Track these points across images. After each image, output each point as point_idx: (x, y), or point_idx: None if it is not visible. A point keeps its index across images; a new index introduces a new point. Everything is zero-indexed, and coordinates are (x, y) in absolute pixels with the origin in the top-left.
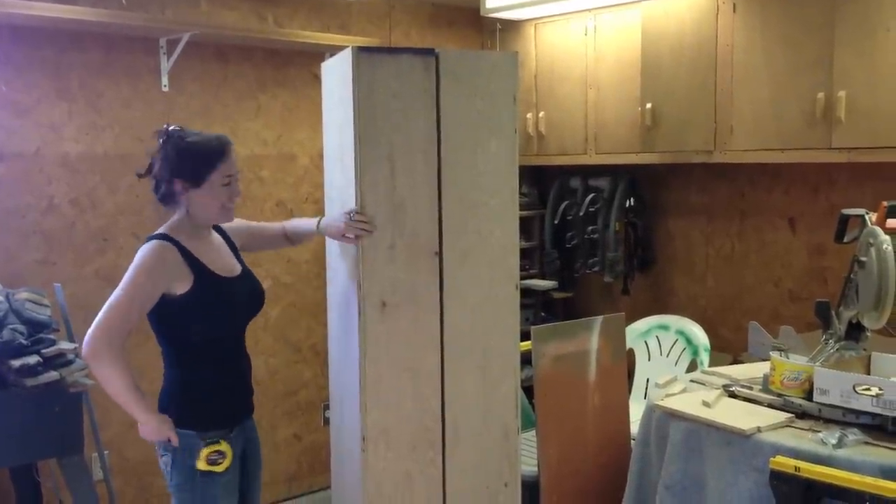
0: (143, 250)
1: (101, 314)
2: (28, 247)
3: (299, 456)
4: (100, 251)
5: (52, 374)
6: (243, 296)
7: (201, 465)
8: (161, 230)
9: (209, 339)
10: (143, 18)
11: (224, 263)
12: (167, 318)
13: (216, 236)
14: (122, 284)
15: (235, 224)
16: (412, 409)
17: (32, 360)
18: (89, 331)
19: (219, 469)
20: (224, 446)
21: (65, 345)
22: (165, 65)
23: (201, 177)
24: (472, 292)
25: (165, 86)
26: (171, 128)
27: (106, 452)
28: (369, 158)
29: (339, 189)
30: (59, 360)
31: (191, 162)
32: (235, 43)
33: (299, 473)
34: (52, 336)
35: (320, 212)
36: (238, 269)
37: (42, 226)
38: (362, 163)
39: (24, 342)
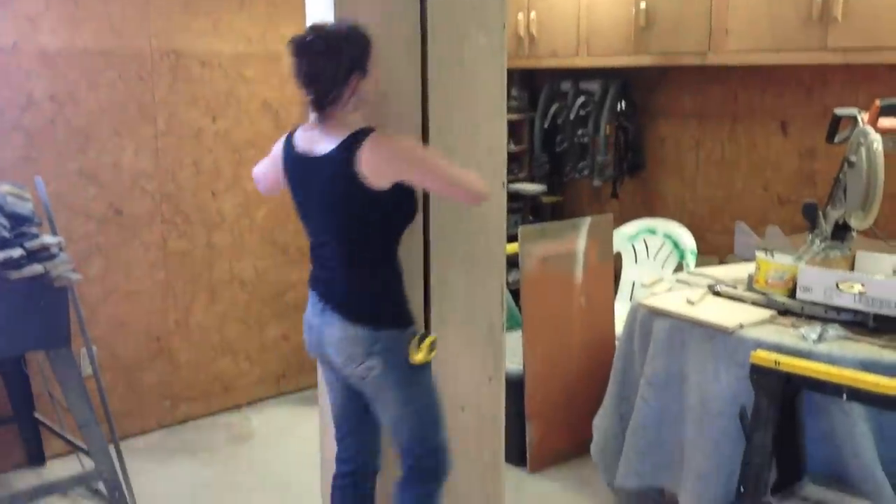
0: (398, 138)
1: (446, 176)
2: (8, 143)
3: (288, 356)
4: (81, 149)
5: (37, 268)
6: None
7: (421, 356)
8: (361, 126)
9: (402, 235)
10: None
11: None
12: (390, 211)
13: None
14: (428, 157)
15: None
16: None
17: (16, 253)
18: (460, 190)
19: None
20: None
21: (48, 239)
22: None
23: (368, 63)
24: None
25: None
26: (328, 28)
27: (95, 349)
28: None
29: None
30: (42, 254)
31: (368, 50)
32: None
33: (288, 372)
34: (34, 230)
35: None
36: None
37: (22, 122)
38: None
39: (6, 235)
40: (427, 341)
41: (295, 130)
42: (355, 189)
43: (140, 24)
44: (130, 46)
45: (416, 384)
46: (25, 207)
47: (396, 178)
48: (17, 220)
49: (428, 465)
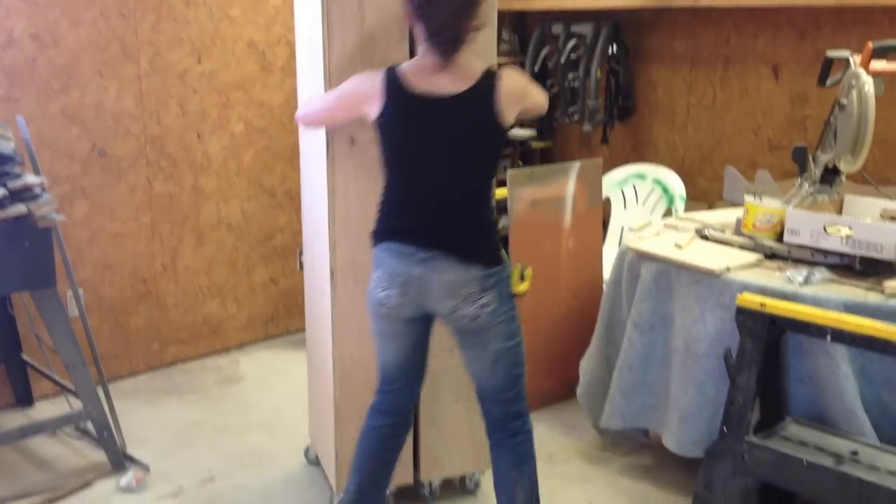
0: (514, 71)
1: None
2: None
3: (276, 299)
4: (63, 89)
5: (20, 208)
6: None
7: (524, 286)
8: (484, 65)
9: None
10: None
11: None
12: (504, 145)
13: None
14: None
15: None
16: None
17: None
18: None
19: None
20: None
21: (31, 178)
22: None
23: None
24: None
25: None
26: None
27: (81, 291)
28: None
29: (309, 27)
30: (26, 194)
31: None
32: None
33: (276, 316)
34: (17, 170)
35: (293, 55)
36: None
37: (2, 61)
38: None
39: None
40: (528, 272)
41: (392, 71)
42: (493, 125)
43: None
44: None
45: (517, 318)
46: (7, 147)
47: (518, 111)
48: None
49: (517, 408)
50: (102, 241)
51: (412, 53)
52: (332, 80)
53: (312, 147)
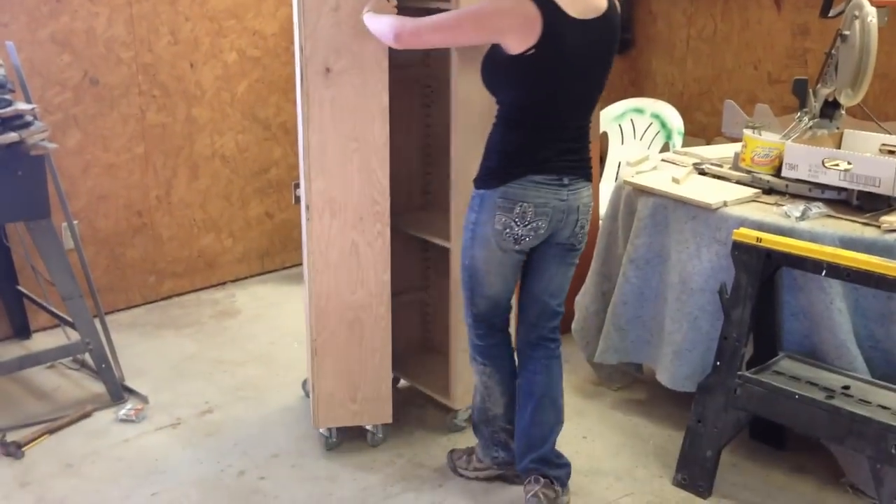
0: None
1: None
2: None
3: (271, 233)
4: (53, 13)
5: (12, 136)
6: None
7: None
8: None
9: None
10: None
11: None
12: None
13: None
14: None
15: None
16: (358, 181)
17: None
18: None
19: None
20: None
21: (22, 105)
22: None
23: None
24: None
25: None
26: None
27: (76, 223)
28: None
29: None
30: (17, 121)
31: None
32: None
33: (272, 250)
34: (7, 97)
35: None
36: None
37: None
38: None
39: None
40: None
41: None
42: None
43: None
44: None
45: None
46: None
47: None
48: None
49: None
50: (96, 172)
51: None
52: (306, 7)
53: None
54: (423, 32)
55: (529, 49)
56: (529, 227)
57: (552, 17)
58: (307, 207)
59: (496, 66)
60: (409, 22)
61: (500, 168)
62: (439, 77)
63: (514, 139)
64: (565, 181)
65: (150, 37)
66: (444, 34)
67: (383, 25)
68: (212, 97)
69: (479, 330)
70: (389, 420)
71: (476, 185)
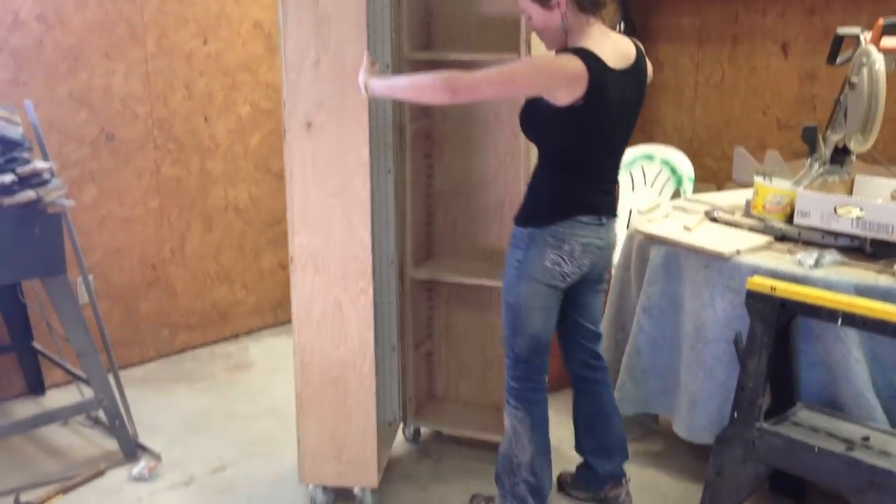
0: None
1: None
2: None
3: (284, 285)
4: (71, 71)
5: (29, 194)
6: None
7: None
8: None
9: None
10: None
11: None
12: None
13: None
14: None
15: None
16: (340, 236)
17: (7, 178)
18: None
19: None
20: None
21: (40, 164)
22: None
23: None
24: None
25: None
26: None
27: (91, 277)
28: None
29: None
30: (34, 180)
31: None
32: None
33: (285, 301)
34: (25, 155)
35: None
36: None
37: (9, 43)
38: None
39: None
40: None
41: (583, 50)
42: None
43: None
44: None
45: None
46: (16, 132)
47: None
48: (8, 145)
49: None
50: (111, 226)
51: (369, 35)
52: (288, 62)
53: None
54: (480, 86)
55: (577, 101)
56: (576, 264)
57: (597, 70)
58: (291, 260)
59: (542, 117)
60: (463, 76)
61: (550, 208)
62: (440, 128)
63: (562, 182)
64: (603, 220)
65: (165, 92)
66: (498, 88)
67: (429, 83)
68: (225, 150)
69: (518, 372)
70: (374, 484)
71: (522, 224)
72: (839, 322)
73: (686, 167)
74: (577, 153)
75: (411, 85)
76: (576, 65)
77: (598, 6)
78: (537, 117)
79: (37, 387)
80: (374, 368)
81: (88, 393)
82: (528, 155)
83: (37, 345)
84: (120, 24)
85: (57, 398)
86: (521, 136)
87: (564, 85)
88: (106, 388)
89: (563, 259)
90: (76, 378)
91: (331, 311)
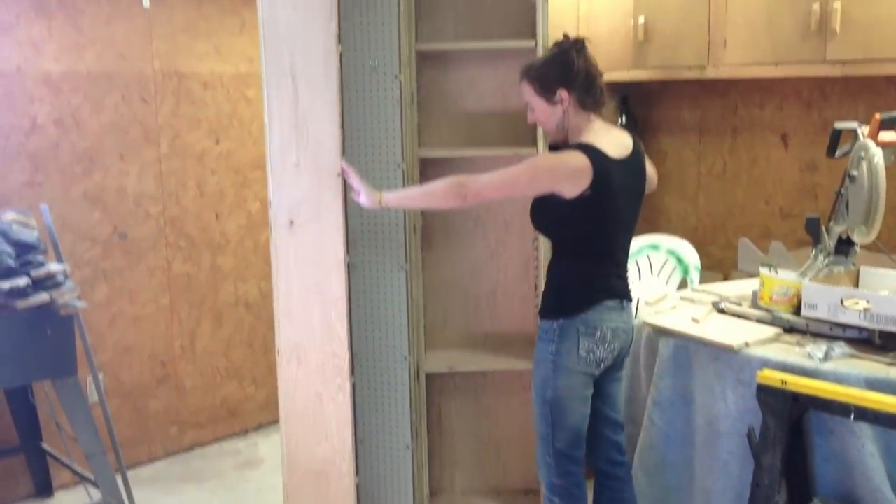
0: None
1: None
2: (13, 168)
3: None
4: (86, 172)
5: (43, 297)
6: None
7: None
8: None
9: None
10: None
11: None
12: None
13: None
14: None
15: None
16: (319, 332)
17: (22, 282)
18: (462, 178)
19: None
20: None
21: (54, 266)
22: None
23: None
24: None
25: (146, 1)
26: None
27: (101, 375)
28: (273, 74)
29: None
30: (48, 282)
31: None
32: None
33: None
34: (40, 258)
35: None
36: None
37: (27, 147)
38: (267, 78)
39: (12, 264)
40: None
41: (584, 145)
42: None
43: (143, 47)
44: (133, 69)
45: None
46: (31, 235)
47: None
48: (23, 249)
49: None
50: (122, 325)
51: (344, 138)
52: (272, 162)
53: None
54: (489, 190)
55: (585, 192)
56: (609, 348)
57: (599, 161)
58: (278, 353)
59: (552, 211)
60: (471, 182)
61: (578, 297)
62: (430, 222)
63: (584, 269)
64: (624, 304)
65: (177, 190)
66: (507, 190)
67: (441, 191)
68: (236, 246)
69: (560, 468)
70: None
71: (551, 317)
72: (851, 417)
73: (692, 256)
74: (593, 240)
75: (424, 194)
76: (579, 159)
77: (599, 105)
78: (549, 212)
79: (44, 488)
80: (355, 467)
81: (96, 495)
82: (526, 243)
83: (45, 445)
84: (134, 127)
85: (65, 500)
86: (512, 225)
87: (570, 179)
88: (114, 490)
89: (597, 345)
90: (84, 479)
91: (312, 405)
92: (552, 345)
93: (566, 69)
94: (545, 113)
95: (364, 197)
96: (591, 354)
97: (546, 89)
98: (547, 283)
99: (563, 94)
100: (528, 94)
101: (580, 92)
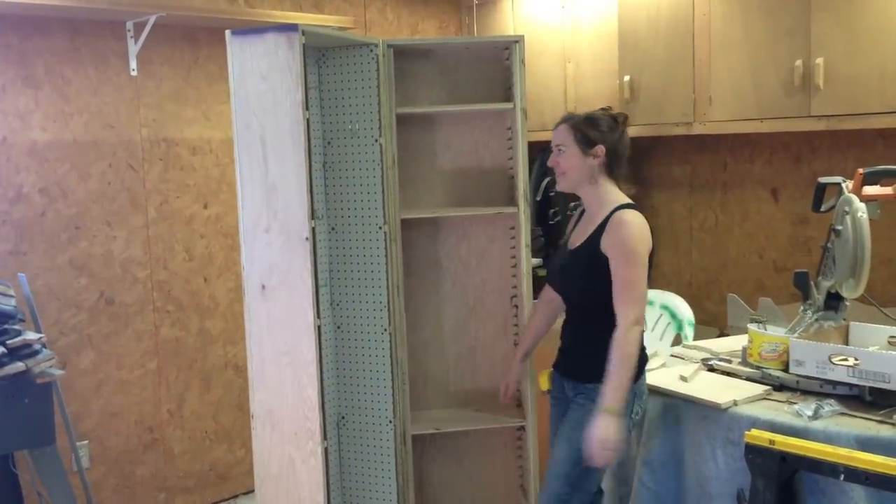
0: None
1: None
2: None
3: None
4: (72, 240)
5: (18, 366)
6: (554, 266)
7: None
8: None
9: None
10: (108, 1)
11: (577, 234)
12: None
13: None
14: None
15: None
16: (291, 396)
17: None
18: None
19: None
20: None
21: (30, 335)
22: (133, 48)
23: None
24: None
25: (134, 70)
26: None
27: (86, 442)
28: (244, 141)
29: None
30: (24, 351)
31: None
32: (205, 25)
33: None
34: (17, 327)
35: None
36: (578, 244)
37: (11, 216)
38: (239, 144)
39: None
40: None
41: (634, 206)
42: None
43: (130, 114)
44: (121, 136)
45: None
46: (8, 304)
47: None
48: (0, 318)
49: None
50: (109, 390)
51: (312, 203)
52: (245, 227)
53: None
54: (638, 305)
55: (650, 249)
56: (644, 403)
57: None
58: (252, 417)
59: (607, 275)
60: (634, 316)
61: (637, 363)
62: (407, 283)
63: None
64: None
65: (165, 255)
66: (640, 291)
67: (630, 345)
68: (225, 308)
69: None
70: None
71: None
72: (841, 477)
73: (686, 311)
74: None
75: (624, 365)
76: (644, 220)
77: (620, 177)
78: (603, 277)
79: None
80: None
81: None
82: (504, 301)
83: None
84: (122, 194)
85: None
86: (490, 284)
87: (649, 241)
88: None
89: (641, 407)
90: None
91: (286, 469)
92: None
93: (612, 133)
94: (574, 159)
95: (598, 430)
96: (637, 416)
97: (586, 141)
98: (593, 347)
99: (599, 150)
100: (565, 138)
101: (612, 157)
